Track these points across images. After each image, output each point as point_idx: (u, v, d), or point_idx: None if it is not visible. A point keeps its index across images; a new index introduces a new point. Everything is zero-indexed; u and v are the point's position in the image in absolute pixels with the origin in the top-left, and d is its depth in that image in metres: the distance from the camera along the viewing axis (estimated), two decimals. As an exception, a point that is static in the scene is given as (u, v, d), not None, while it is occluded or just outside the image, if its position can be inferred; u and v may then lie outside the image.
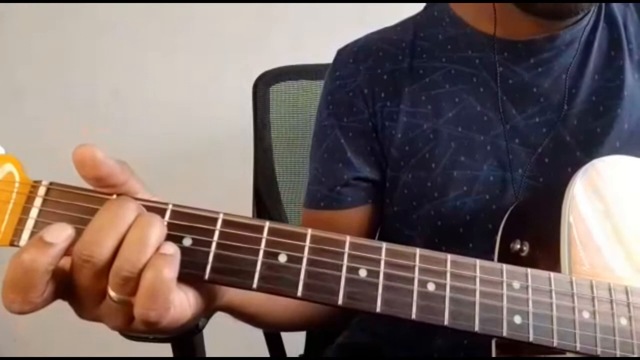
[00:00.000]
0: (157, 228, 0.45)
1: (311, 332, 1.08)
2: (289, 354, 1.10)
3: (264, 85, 1.15)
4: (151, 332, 0.47)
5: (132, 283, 0.44)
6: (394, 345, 0.80)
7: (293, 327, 0.82)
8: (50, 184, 0.47)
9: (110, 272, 0.44)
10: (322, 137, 0.82)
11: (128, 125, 1.57)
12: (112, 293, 0.45)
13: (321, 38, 1.44)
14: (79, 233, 0.45)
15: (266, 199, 1.13)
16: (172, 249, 0.45)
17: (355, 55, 0.82)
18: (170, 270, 0.44)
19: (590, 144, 0.72)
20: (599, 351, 0.52)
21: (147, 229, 0.45)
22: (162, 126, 1.57)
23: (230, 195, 1.20)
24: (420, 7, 0.85)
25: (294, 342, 1.09)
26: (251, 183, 1.14)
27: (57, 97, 1.57)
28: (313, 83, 1.16)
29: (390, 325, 0.79)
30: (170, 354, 0.92)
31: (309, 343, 1.08)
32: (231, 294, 0.56)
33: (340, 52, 0.84)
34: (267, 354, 1.11)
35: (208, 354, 0.95)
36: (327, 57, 0.87)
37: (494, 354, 0.56)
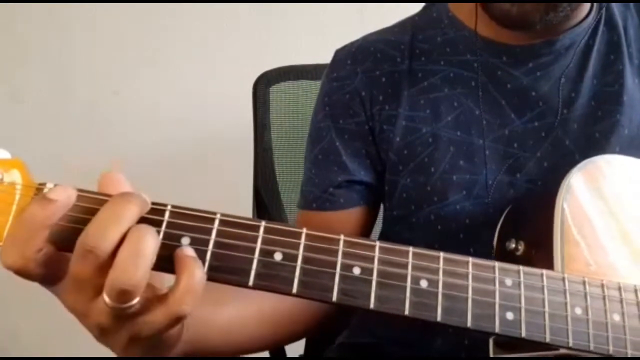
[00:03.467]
0: (151, 241, 0.46)
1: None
2: (289, 354, 1.09)
3: (264, 85, 1.15)
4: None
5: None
6: (394, 345, 0.80)
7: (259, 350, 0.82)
8: (55, 186, 0.48)
9: (107, 281, 0.45)
10: (317, 139, 0.82)
11: (128, 126, 1.57)
12: (107, 299, 0.46)
13: (321, 38, 1.44)
14: (79, 233, 0.46)
15: (266, 199, 1.13)
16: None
17: (353, 56, 0.81)
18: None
19: (589, 148, 0.72)
20: (592, 347, 0.53)
21: (142, 240, 0.45)
22: (162, 127, 1.57)
23: (230, 195, 1.20)
24: (419, 7, 0.85)
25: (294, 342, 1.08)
26: (251, 183, 1.14)
27: (57, 98, 1.57)
28: (313, 83, 1.16)
29: (390, 326, 0.79)
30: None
31: (309, 343, 1.08)
32: (184, 346, 0.56)
33: (338, 53, 0.84)
34: (267, 354, 1.11)
35: (208, 354, 0.95)
36: (327, 57, 0.87)
37: (491, 352, 0.56)
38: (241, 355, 0.72)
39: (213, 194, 1.31)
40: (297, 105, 1.17)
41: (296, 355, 1.08)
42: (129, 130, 1.56)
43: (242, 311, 0.68)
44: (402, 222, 0.79)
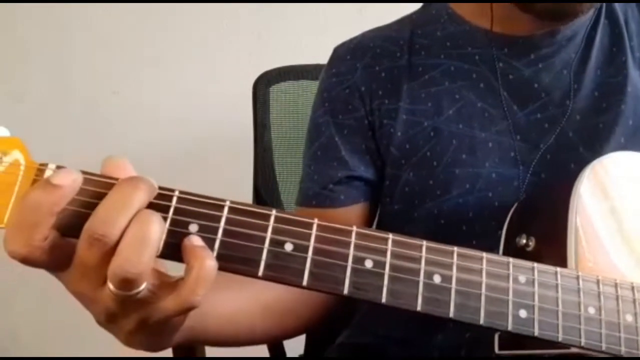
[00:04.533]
0: (155, 229, 0.44)
1: (311, 332, 1.08)
2: (289, 354, 1.09)
3: (264, 85, 1.15)
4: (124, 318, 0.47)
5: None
6: (395, 344, 0.79)
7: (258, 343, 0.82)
8: (57, 167, 0.47)
9: (109, 269, 0.44)
10: (316, 135, 0.82)
11: (128, 126, 1.57)
12: (111, 287, 0.45)
13: (321, 38, 1.44)
14: (84, 217, 0.44)
15: (266, 199, 1.13)
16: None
17: (353, 52, 0.81)
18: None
19: (593, 140, 0.72)
20: (604, 347, 0.52)
21: (147, 227, 0.44)
22: (162, 127, 1.57)
23: (230, 195, 1.20)
24: (419, 7, 0.86)
25: (294, 342, 1.08)
26: (251, 183, 1.14)
27: (57, 98, 1.57)
28: (313, 83, 1.16)
29: (391, 324, 0.79)
30: (170, 354, 0.92)
31: (309, 343, 1.08)
32: (185, 333, 0.55)
33: (337, 49, 0.84)
34: (267, 354, 1.11)
35: (208, 354, 0.95)
36: (327, 57, 0.87)
37: (496, 348, 0.56)
38: (241, 346, 0.71)
39: (213, 193, 1.31)
40: (297, 105, 1.17)
41: (296, 355, 1.08)
42: (129, 130, 1.56)
43: (244, 301, 0.67)
44: (402, 217, 0.78)
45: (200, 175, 1.55)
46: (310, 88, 1.17)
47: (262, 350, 1.11)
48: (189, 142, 1.57)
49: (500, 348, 0.56)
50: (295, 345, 1.09)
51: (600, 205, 0.60)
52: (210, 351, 0.94)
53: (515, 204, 0.67)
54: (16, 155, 0.47)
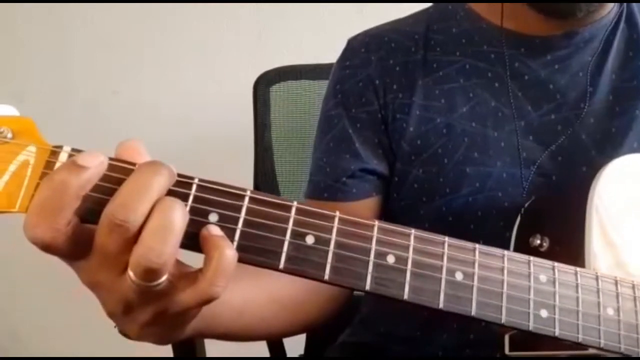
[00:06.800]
0: (179, 216, 0.43)
1: (311, 332, 1.08)
2: (289, 354, 1.09)
3: (264, 85, 1.15)
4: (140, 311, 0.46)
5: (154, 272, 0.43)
6: (398, 343, 0.79)
7: (268, 338, 0.79)
8: (72, 149, 0.45)
9: (132, 258, 0.43)
10: (328, 127, 0.81)
11: (128, 126, 1.56)
12: (132, 276, 0.43)
13: (321, 38, 1.44)
14: (102, 203, 0.43)
15: (266, 199, 1.13)
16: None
17: (367, 45, 0.81)
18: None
19: (606, 143, 0.72)
20: (623, 348, 0.52)
21: (170, 214, 0.42)
22: (162, 127, 1.57)
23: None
24: (420, 6, 0.85)
25: (294, 341, 1.08)
26: (251, 183, 1.14)
27: (57, 97, 1.57)
28: (313, 83, 1.16)
29: (394, 322, 0.79)
30: (170, 354, 0.92)
31: (310, 341, 1.08)
32: (196, 324, 0.53)
33: (351, 41, 0.84)
34: (267, 354, 1.11)
35: (208, 354, 0.95)
36: (327, 57, 0.87)
37: (507, 349, 0.56)
38: (251, 341, 0.70)
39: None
40: (297, 105, 1.17)
41: (296, 355, 1.08)
42: (129, 130, 1.56)
43: (256, 293, 0.66)
44: (410, 213, 0.78)
45: (200, 175, 1.55)
46: (310, 88, 1.17)
47: (262, 350, 1.11)
48: (189, 142, 1.57)
49: (511, 349, 0.56)
50: (295, 345, 1.09)
51: (612, 208, 0.60)
52: (210, 351, 0.95)
53: (527, 204, 0.67)
54: (27, 135, 0.45)
